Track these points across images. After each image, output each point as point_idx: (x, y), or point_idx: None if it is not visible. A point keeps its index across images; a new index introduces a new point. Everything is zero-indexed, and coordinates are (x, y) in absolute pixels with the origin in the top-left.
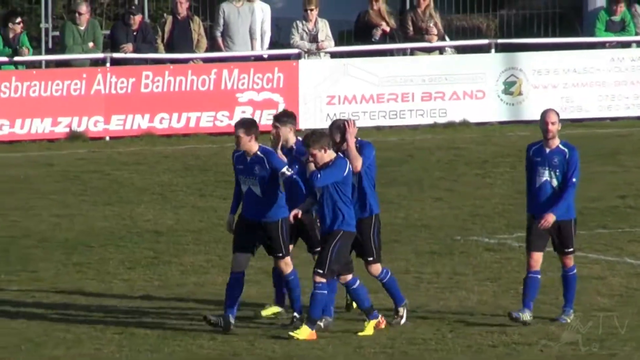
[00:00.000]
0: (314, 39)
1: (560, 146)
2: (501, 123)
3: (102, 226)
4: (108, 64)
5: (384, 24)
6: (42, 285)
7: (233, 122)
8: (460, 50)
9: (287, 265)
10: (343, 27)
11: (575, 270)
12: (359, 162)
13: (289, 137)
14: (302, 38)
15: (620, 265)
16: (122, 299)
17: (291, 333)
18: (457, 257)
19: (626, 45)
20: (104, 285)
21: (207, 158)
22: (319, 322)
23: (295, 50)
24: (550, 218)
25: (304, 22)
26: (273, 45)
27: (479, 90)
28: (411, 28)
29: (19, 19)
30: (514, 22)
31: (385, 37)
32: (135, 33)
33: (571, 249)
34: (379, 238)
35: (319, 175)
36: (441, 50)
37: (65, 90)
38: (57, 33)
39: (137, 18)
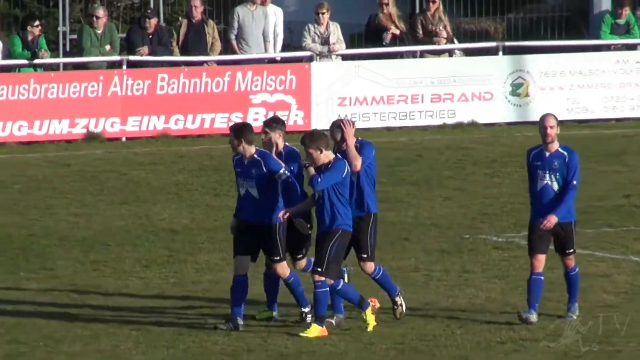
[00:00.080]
0: (325, 41)
1: (560, 149)
2: (509, 124)
3: (118, 225)
4: (124, 67)
5: (393, 27)
6: (60, 283)
7: None
8: (468, 52)
9: (284, 268)
10: (354, 30)
11: (577, 270)
12: (358, 162)
13: (278, 142)
14: (314, 41)
15: (625, 263)
16: (138, 296)
17: (302, 334)
18: (466, 255)
19: (631, 47)
20: (121, 283)
21: (222, 158)
22: (330, 320)
23: (307, 53)
24: (552, 219)
25: (315, 25)
26: (285, 48)
27: (487, 92)
28: (421, 31)
29: (37, 23)
30: (521, 25)
31: (395, 40)
32: (151, 36)
33: (572, 250)
34: (375, 237)
35: (319, 179)
36: (450, 52)
37: (83, 92)
38: (74, 36)
39: (153, 21)
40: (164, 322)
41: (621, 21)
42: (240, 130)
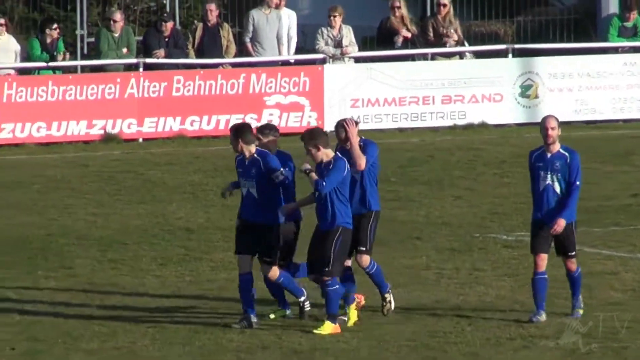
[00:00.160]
0: (338, 44)
1: (561, 150)
2: (518, 125)
3: (135, 224)
4: (141, 69)
5: (405, 30)
6: (78, 281)
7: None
8: (478, 55)
9: (274, 271)
10: (366, 33)
11: (579, 271)
12: (363, 161)
13: (270, 148)
14: (327, 43)
15: (633, 261)
16: (154, 294)
17: (315, 331)
18: (476, 253)
19: (638, 50)
20: (138, 281)
21: None
22: (342, 317)
23: (320, 55)
24: (562, 222)
25: (328, 28)
26: (299, 50)
27: (497, 94)
28: (432, 34)
29: (55, 26)
30: (530, 28)
31: (407, 43)
32: (167, 39)
33: (573, 253)
34: (375, 233)
35: (324, 183)
36: (460, 55)
37: (100, 94)
38: (92, 39)
39: (169, 25)
40: (179, 320)
41: (629, 24)
42: (239, 130)
